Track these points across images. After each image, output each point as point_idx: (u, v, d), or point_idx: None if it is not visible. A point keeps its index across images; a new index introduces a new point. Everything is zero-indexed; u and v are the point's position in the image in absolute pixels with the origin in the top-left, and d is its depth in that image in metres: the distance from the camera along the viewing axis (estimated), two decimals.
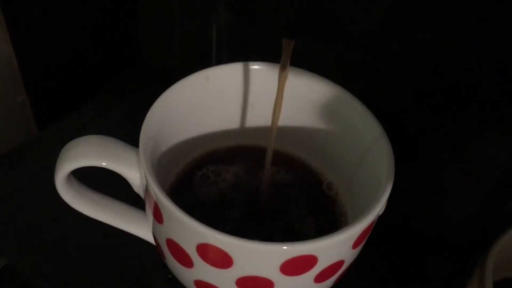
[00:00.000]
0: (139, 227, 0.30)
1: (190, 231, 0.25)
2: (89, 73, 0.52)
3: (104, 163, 0.27)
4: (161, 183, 0.27)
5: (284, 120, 0.33)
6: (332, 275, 0.28)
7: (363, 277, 0.34)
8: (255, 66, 0.32)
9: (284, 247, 0.24)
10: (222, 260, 0.25)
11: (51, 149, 0.28)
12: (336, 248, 0.26)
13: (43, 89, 0.52)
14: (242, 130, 0.35)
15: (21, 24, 0.47)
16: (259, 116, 0.34)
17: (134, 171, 0.27)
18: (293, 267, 0.25)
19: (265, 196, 0.33)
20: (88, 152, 0.27)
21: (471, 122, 0.29)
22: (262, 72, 0.32)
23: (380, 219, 0.29)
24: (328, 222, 0.32)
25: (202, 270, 0.27)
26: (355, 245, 0.27)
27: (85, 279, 0.34)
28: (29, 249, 0.35)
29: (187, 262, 0.27)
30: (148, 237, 0.30)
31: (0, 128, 0.51)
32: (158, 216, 0.27)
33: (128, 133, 0.28)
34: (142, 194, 0.29)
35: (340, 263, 0.27)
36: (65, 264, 0.34)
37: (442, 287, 0.33)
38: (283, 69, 0.28)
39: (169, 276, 0.34)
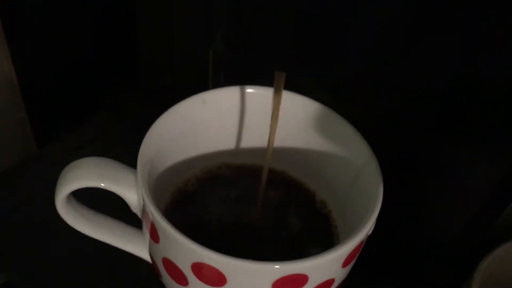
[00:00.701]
0: (136, 246, 0.31)
1: (185, 251, 0.26)
2: (88, 91, 0.53)
3: (103, 184, 0.28)
4: (158, 203, 0.28)
5: (279, 141, 0.35)
6: None
7: None
8: (250, 90, 0.33)
9: (276, 266, 0.25)
10: (216, 279, 0.26)
11: (50, 167, 0.29)
12: (326, 267, 0.27)
13: (42, 107, 0.53)
14: (238, 151, 0.36)
15: (21, 42, 0.48)
16: (254, 137, 0.35)
17: (131, 192, 0.28)
18: (284, 285, 0.26)
19: (260, 214, 0.33)
20: (87, 174, 0.28)
21: (460, 141, 0.30)
22: (257, 96, 0.33)
23: (371, 237, 0.30)
24: (321, 241, 0.33)
25: None
26: (344, 264, 0.28)
27: None
28: (28, 267, 0.35)
29: (182, 280, 0.28)
30: (145, 255, 0.31)
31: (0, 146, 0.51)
32: (154, 236, 0.28)
33: (126, 152, 0.29)
34: (139, 214, 0.29)
35: (330, 282, 0.28)
36: (63, 281, 0.35)
37: None
38: (276, 99, 0.29)
39: None
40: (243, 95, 0.33)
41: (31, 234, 0.37)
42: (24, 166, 0.44)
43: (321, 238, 0.33)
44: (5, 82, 0.49)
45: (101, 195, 0.30)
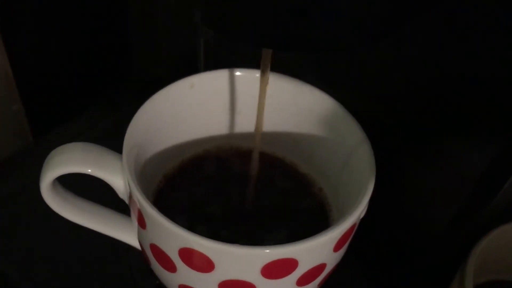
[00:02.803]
0: (125, 232, 0.31)
1: (172, 236, 0.25)
2: (83, 83, 0.53)
3: (88, 170, 0.28)
4: (146, 189, 0.27)
5: (270, 126, 0.34)
6: (314, 278, 0.28)
7: (346, 282, 0.34)
8: (239, 73, 0.33)
9: (264, 251, 0.25)
10: (204, 264, 0.26)
11: (45, 158, 0.29)
12: (316, 251, 0.26)
13: (38, 98, 0.52)
14: (228, 136, 0.35)
15: (16, 34, 0.47)
16: (245, 121, 0.34)
17: (118, 178, 0.28)
18: (274, 270, 0.26)
19: (251, 199, 0.33)
20: (72, 159, 0.27)
21: (451, 127, 0.30)
22: (246, 79, 0.33)
23: (363, 224, 0.29)
24: (314, 225, 0.32)
25: (185, 274, 0.27)
26: (336, 248, 0.27)
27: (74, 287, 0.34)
28: (22, 257, 0.35)
29: (170, 266, 0.27)
30: (134, 242, 0.31)
31: None
32: (141, 222, 0.27)
33: (120, 142, 0.29)
34: (126, 200, 0.29)
35: (321, 267, 0.27)
36: (55, 272, 0.35)
37: None
38: (263, 74, 0.28)
39: (157, 282, 0.34)
40: (232, 78, 0.33)
41: (25, 224, 0.37)
42: (19, 157, 0.44)
43: (314, 222, 0.32)
44: (0, 75, 0.49)
45: (89, 182, 0.29)
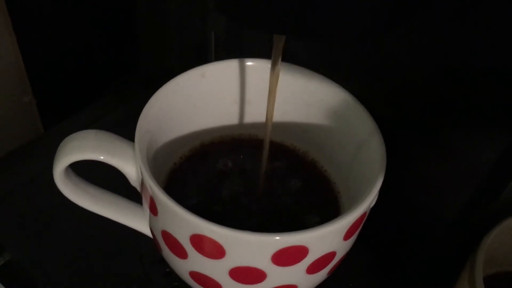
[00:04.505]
0: (136, 220, 0.31)
1: (183, 222, 0.26)
2: (93, 74, 0.53)
3: (101, 157, 0.28)
4: (157, 176, 0.28)
5: (281, 116, 0.34)
6: (324, 266, 0.28)
7: (354, 272, 0.34)
8: (250, 63, 0.33)
9: (275, 238, 0.25)
10: (215, 251, 0.26)
11: (55, 148, 0.29)
12: (327, 239, 0.26)
13: (49, 90, 0.53)
14: (239, 126, 0.35)
15: (28, 27, 0.48)
16: (256, 111, 0.34)
17: (130, 165, 0.28)
18: (284, 257, 0.26)
19: (262, 186, 0.33)
20: (85, 146, 0.28)
21: (460, 121, 0.30)
22: (257, 68, 0.33)
23: (372, 214, 0.29)
24: (324, 214, 0.32)
25: (196, 261, 0.27)
26: (346, 237, 0.27)
27: (86, 275, 0.34)
28: (32, 245, 0.36)
29: (181, 253, 0.27)
30: (145, 230, 0.31)
31: (7, 128, 0.52)
32: (153, 209, 0.27)
33: (129, 132, 0.29)
34: (138, 188, 0.29)
35: (331, 255, 0.27)
36: (66, 259, 0.35)
37: (433, 283, 0.34)
38: (274, 63, 0.28)
39: (167, 270, 0.34)
40: (243, 67, 0.33)
41: (35, 213, 0.37)
42: (30, 146, 0.44)
43: (325, 211, 0.32)
44: (12, 67, 0.49)
45: (101, 170, 0.29)
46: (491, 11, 0.25)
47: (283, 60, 0.29)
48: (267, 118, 0.30)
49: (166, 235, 0.27)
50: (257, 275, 0.26)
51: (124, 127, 0.30)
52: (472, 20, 0.26)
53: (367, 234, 0.30)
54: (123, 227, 0.32)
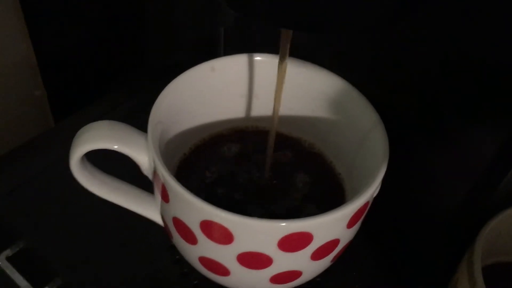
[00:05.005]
0: (148, 208, 0.32)
1: (194, 209, 0.27)
2: (103, 68, 0.54)
3: (115, 146, 0.29)
4: (168, 166, 0.29)
5: (287, 110, 0.35)
6: (328, 253, 0.29)
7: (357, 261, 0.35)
8: (258, 58, 0.34)
9: (281, 224, 0.26)
10: (224, 237, 0.27)
11: (66, 140, 0.30)
12: (331, 226, 0.28)
13: (60, 84, 0.54)
14: (246, 118, 0.37)
15: (39, 21, 0.49)
16: (263, 105, 0.36)
17: (143, 154, 0.29)
18: (290, 243, 0.27)
19: (269, 175, 0.34)
20: (100, 136, 0.29)
21: (460, 113, 0.31)
22: (265, 63, 0.34)
23: (375, 205, 0.30)
24: (329, 203, 0.33)
25: (205, 246, 0.28)
26: (350, 225, 0.28)
27: (98, 262, 0.35)
28: (46, 232, 0.37)
29: (191, 239, 0.29)
30: (156, 218, 0.32)
31: (19, 121, 0.53)
32: (165, 196, 0.29)
33: (139, 124, 0.30)
34: (150, 176, 0.30)
35: (335, 242, 0.29)
36: (79, 247, 0.36)
37: (432, 273, 0.34)
38: (282, 57, 0.29)
39: (177, 257, 0.35)
40: (251, 62, 0.34)
41: (48, 202, 0.38)
42: (43, 138, 0.45)
43: (330, 200, 0.33)
44: (24, 61, 0.50)
45: (114, 160, 0.31)
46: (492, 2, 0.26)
47: (289, 55, 0.30)
48: (274, 110, 0.32)
49: (177, 222, 0.29)
50: (264, 260, 0.28)
51: (134, 120, 0.31)
52: (473, 14, 0.27)
53: (369, 224, 0.31)
54: (135, 217, 0.33)
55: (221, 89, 0.34)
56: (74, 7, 0.50)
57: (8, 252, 0.36)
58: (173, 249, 0.34)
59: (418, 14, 0.26)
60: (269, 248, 0.27)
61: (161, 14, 0.47)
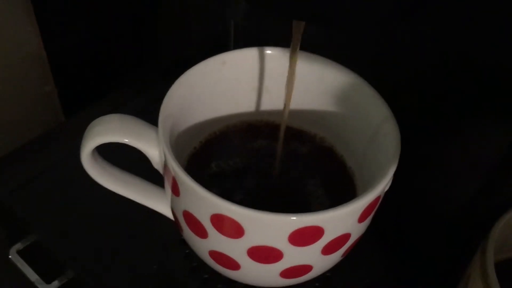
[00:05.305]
0: (158, 202, 0.32)
1: (204, 202, 0.27)
2: (113, 64, 0.55)
3: (126, 140, 0.29)
4: (178, 159, 0.29)
5: (298, 103, 0.35)
6: (339, 248, 0.29)
7: (366, 257, 0.35)
8: (269, 51, 0.34)
9: (292, 218, 0.26)
10: (234, 230, 0.27)
11: (77, 135, 0.30)
12: (342, 220, 0.27)
13: (70, 80, 0.54)
14: (257, 112, 0.37)
15: (50, 17, 0.49)
16: (273, 99, 0.36)
17: (153, 148, 0.29)
18: (301, 237, 0.27)
19: (279, 168, 0.34)
20: (111, 129, 0.29)
21: (472, 109, 0.30)
22: (276, 57, 0.34)
23: (387, 199, 0.30)
24: (340, 197, 0.33)
25: (216, 240, 0.28)
26: (361, 219, 0.28)
27: (108, 255, 0.36)
28: (57, 226, 0.37)
29: (202, 233, 0.28)
30: (166, 211, 0.32)
31: (29, 116, 0.53)
32: (175, 189, 0.29)
33: (150, 120, 0.30)
34: (161, 170, 0.30)
35: (346, 236, 0.28)
36: (90, 241, 0.36)
37: (443, 268, 0.34)
38: (293, 50, 0.29)
39: (186, 251, 0.35)
40: (262, 56, 0.34)
41: (59, 196, 0.39)
42: (53, 134, 0.45)
43: (341, 194, 0.33)
44: (34, 57, 0.51)
45: (125, 154, 0.31)
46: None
47: (300, 48, 0.30)
48: (285, 104, 0.31)
49: (188, 215, 0.29)
50: (274, 254, 0.28)
51: (145, 115, 0.31)
52: (490, 9, 0.27)
53: (379, 220, 0.31)
54: (145, 211, 0.33)
55: (232, 82, 0.34)
56: (84, 3, 0.50)
57: (19, 246, 0.37)
58: (183, 243, 0.34)
59: (437, 7, 0.25)
60: (280, 242, 0.27)
61: (173, 9, 0.47)
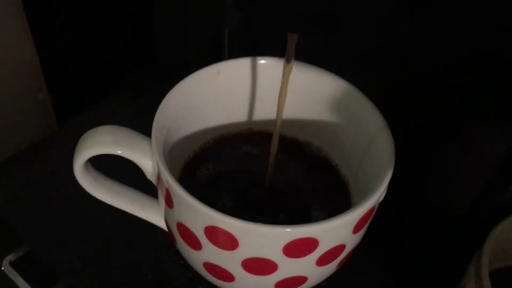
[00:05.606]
0: (152, 213, 0.32)
1: (198, 214, 0.27)
2: (108, 70, 0.54)
3: (119, 151, 0.29)
4: (172, 170, 0.29)
5: (292, 113, 0.35)
6: (334, 259, 0.29)
7: (364, 264, 0.35)
8: (263, 61, 0.34)
9: (286, 230, 0.26)
10: (228, 242, 0.27)
11: (71, 143, 0.30)
12: (336, 232, 0.27)
13: (63, 87, 0.54)
14: (251, 122, 0.36)
15: (43, 25, 0.49)
16: (267, 109, 0.35)
17: (147, 159, 0.29)
18: (295, 249, 0.27)
19: (273, 180, 0.34)
20: (104, 141, 0.29)
21: (472, 113, 0.30)
22: (270, 67, 0.34)
23: (383, 207, 0.30)
24: (335, 207, 0.33)
25: (210, 252, 0.28)
26: (355, 230, 0.28)
27: (102, 266, 0.35)
28: (50, 237, 0.37)
29: (196, 245, 0.28)
30: (160, 222, 0.32)
31: (22, 124, 0.53)
32: (169, 201, 0.28)
33: (145, 126, 0.30)
34: (154, 181, 0.30)
35: (341, 247, 0.28)
36: (83, 251, 0.36)
37: (441, 277, 0.34)
38: (288, 60, 0.29)
39: (181, 262, 0.35)
40: (256, 66, 0.34)
41: (52, 206, 0.38)
42: (46, 142, 0.45)
43: (336, 204, 0.33)
44: (28, 64, 0.50)
45: (118, 165, 0.30)
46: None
47: (295, 58, 0.30)
48: (277, 113, 0.31)
49: (181, 227, 0.28)
50: (269, 266, 0.27)
51: (139, 122, 0.31)
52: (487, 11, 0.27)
53: (376, 228, 0.31)
54: (139, 220, 0.33)
55: (226, 92, 0.34)
56: (77, 10, 0.50)
57: (11, 257, 0.36)
58: (178, 254, 0.33)
59: (430, 13, 0.25)
60: (274, 254, 0.27)
61: (168, 17, 0.47)
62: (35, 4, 0.47)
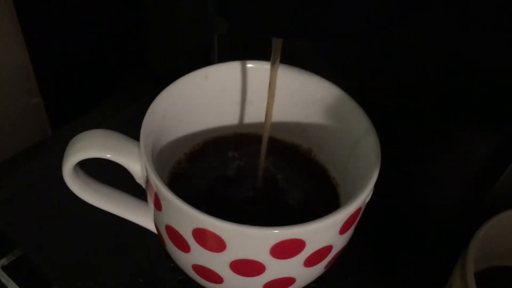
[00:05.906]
0: (141, 216, 0.32)
1: (186, 217, 0.27)
2: (100, 76, 0.55)
3: (108, 155, 0.29)
4: (161, 173, 0.29)
5: (280, 116, 0.35)
6: (321, 260, 0.29)
7: (353, 265, 0.35)
8: (250, 65, 0.34)
9: (273, 231, 0.26)
10: (216, 244, 0.27)
11: (63, 148, 0.30)
12: (323, 232, 0.28)
13: (56, 91, 0.54)
14: (240, 125, 0.37)
15: (36, 29, 0.49)
16: (256, 112, 0.36)
17: (135, 163, 0.29)
18: (282, 250, 0.27)
19: (262, 181, 0.34)
20: (93, 145, 0.29)
21: (455, 116, 0.31)
22: (257, 70, 0.34)
23: (370, 208, 0.30)
24: (324, 208, 0.33)
25: (198, 254, 0.28)
26: (342, 231, 0.28)
27: (94, 270, 0.35)
28: (42, 241, 0.37)
29: (184, 247, 0.29)
30: (150, 225, 0.32)
31: (16, 129, 0.53)
32: (157, 204, 0.29)
33: (137, 132, 0.30)
34: (143, 184, 0.30)
35: (328, 248, 0.29)
36: (75, 255, 0.36)
37: (428, 277, 0.34)
38: (273, 63, 0.30)
39: (172, 265, 0.35)
40: (244, 69, 0.34)
41: (45, 210, 0.39)
42: (40, 147, 0.45)
43: (324, 205, 0.33)
44: (20, 69, 0.51)
45: (108, 168, 0.31)
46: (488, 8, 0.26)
47: (282, 61, 0.30)
48: (266, 115, 0.32)
49: (170, 230, 0.29)
50: (257, 267, 0.28)
51: (132, 127, 0.31)
52: (470, 17, 0.27)
53: (364, 228, 0.31)
54: (130, 224, 0.33)
55: (215, 96, 0.34)
56: (70, 15, 0.50)
57: (3, 261, 0.36)
58: (169, 257, 0.34)
59: (416, 18, 0.26)
60: (262, 255, 0.27)
61: (160, 23, 0.47)
62: (28, 9, 0.47)
